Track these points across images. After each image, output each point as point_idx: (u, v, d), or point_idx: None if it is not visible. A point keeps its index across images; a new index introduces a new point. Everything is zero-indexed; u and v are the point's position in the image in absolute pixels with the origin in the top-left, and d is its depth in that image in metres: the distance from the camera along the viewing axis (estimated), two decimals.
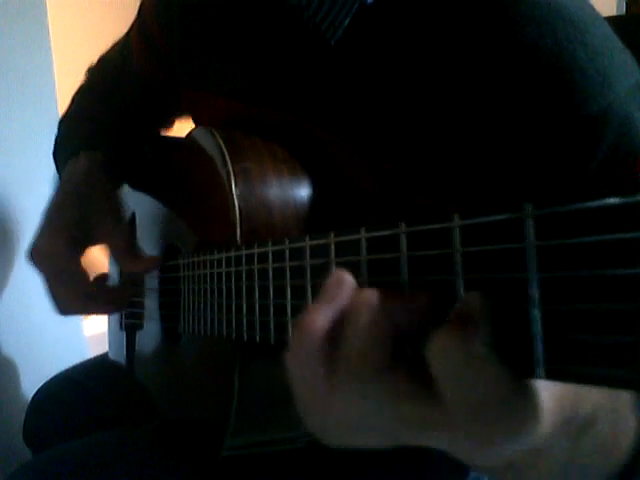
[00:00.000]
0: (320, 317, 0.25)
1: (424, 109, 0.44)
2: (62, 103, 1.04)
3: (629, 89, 0.40)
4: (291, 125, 0.52)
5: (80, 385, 0.82)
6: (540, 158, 0.40)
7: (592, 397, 0.27)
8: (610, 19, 0.43)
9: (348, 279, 0.26)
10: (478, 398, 0.21)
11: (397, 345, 0.24)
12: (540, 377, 0.20)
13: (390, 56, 0.45)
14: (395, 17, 0.45)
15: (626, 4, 1.68)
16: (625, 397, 0.30)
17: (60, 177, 0.68)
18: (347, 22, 0.46)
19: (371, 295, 0.25)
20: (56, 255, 0.58)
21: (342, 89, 0.48)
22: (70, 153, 0.67)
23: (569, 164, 0.40)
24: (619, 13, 1.67)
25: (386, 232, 0.26)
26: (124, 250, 0.60)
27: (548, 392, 0.23)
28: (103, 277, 0.66)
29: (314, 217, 0.48)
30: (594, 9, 0.43)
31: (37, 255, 0.58)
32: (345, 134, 0.48)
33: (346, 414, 0.26)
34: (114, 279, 0.77)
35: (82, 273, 0.59)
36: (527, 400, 0.22)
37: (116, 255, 0.60)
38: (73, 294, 0.60)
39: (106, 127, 0.72)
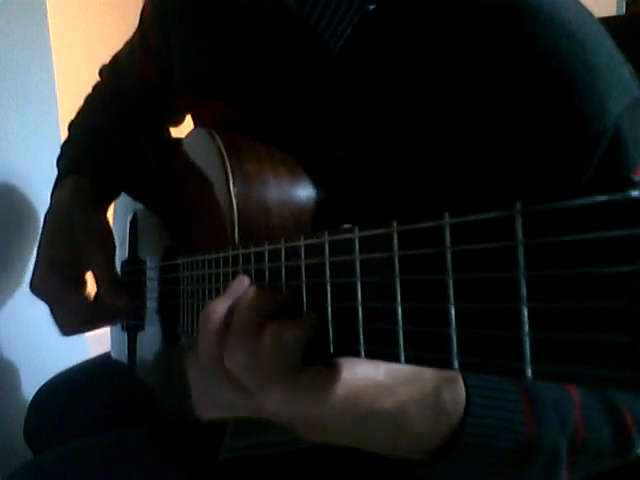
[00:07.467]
0: (219, 305, 0.33)
1: (424, 115, 0.43)
2: (62, 103, 1.05)
3: (624, 107, 0.40)
4: (292, 130, 0.51)
5: (80, 385, 0.82)
6: (531, 171, 0.40)
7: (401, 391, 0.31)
8: (610, 19, 0.43)
9: (245, 281, 0.34)
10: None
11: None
12: (529, 376, 0.19)
13: (390, 63, 0.45)
14: (395, 25, 0.45)
15: (626, 4, 1.68)
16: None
17: (54, 192, 0.71)
18: (349, 31, 0.46)
19: (250, 291, 0.33)
20: (52, 289, 0.63)
21: (343, 97, 0.48)
22: (61, 173, 0.71)
23: (559, 179, 0.40)
24: (619, 13, 1.67)
25: (379, 231, 0.26)
26: (106, 281, 0.64)
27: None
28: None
29: (314, 219, 0.48)
30: (598, 23, 0.42)
31: (36, 288, 0.64)
32: (348, 143, 0.48)
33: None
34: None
35: (79, 300, 0.65)
36: None
37: (99, 284, 0.64)
38: (72, 318, 0.65)
39: (102, 140, 0.73)
